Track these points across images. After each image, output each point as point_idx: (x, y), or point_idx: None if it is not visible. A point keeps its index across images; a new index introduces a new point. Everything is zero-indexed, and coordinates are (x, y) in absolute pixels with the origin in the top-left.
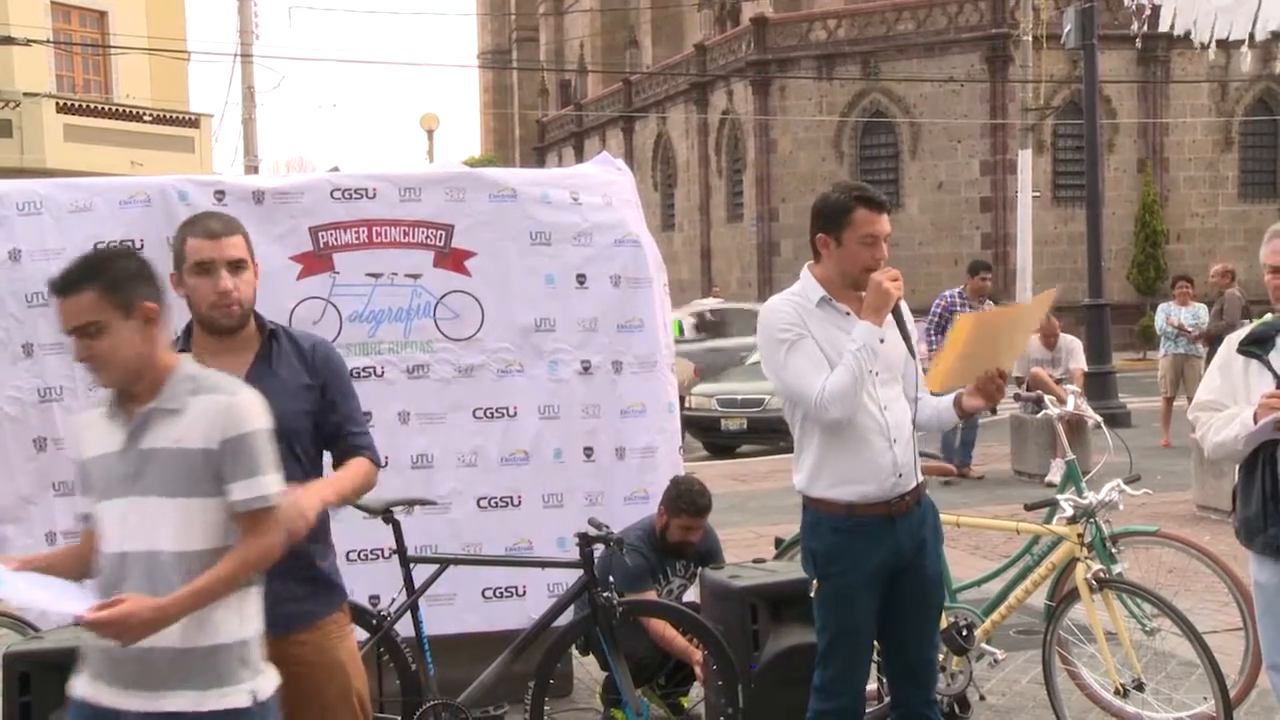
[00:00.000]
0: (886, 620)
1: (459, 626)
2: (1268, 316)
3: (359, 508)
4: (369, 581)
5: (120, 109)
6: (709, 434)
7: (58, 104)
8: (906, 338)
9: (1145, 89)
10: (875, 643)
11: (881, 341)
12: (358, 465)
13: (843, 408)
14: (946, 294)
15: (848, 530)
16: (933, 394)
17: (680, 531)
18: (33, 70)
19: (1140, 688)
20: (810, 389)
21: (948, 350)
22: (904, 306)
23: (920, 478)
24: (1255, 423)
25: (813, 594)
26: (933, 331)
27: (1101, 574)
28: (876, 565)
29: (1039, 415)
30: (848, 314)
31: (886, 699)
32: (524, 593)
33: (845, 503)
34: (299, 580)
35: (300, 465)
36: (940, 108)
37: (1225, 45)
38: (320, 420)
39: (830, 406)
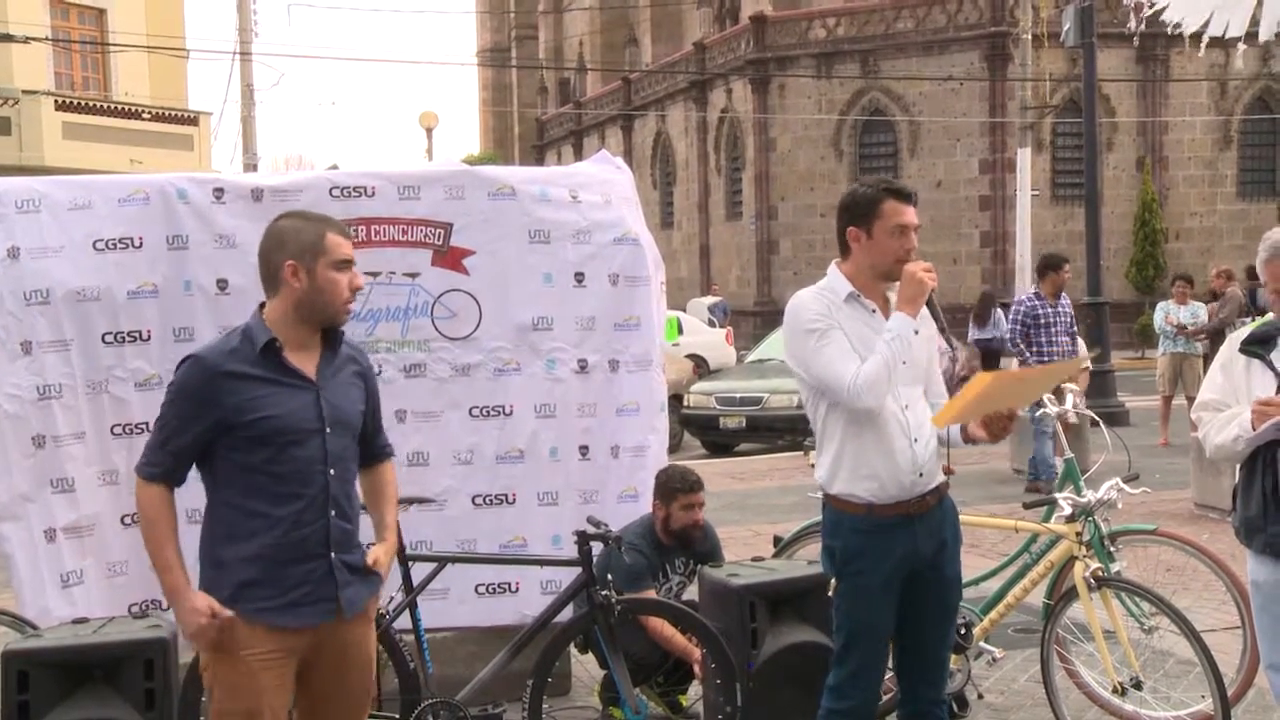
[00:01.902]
0: (903, 619)
1: (451, 621)
2: (1269, 316)
3: None
4: None
5: (119, 107)
6: (707, 432)
7: (56, 102)
8: (943, 331)
9: (1144, 87)
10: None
11: (916, 333)
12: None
13: (874, 396)
14: (1024, 298)
15: (867, 530)
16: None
17: (683, 513)
18: (31, 68)
19: (1138, 686)
20: (842, 377)
21: (960, 398)
22: (937, 306)
23: (943, 478)
24: (1253, 429)
25: (830, 592)
26: (1018, 339)
27: (1100, 572)
28: (895, 565)
29: (1037, 413)
30: (874, 311)
31: (886, 696)
32: (517, 589)
33: (865, 502)
34: (352, 568)
35: (356, 459)
36: (939, 106)
37: (1223, 44)
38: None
39: (863, 394)
